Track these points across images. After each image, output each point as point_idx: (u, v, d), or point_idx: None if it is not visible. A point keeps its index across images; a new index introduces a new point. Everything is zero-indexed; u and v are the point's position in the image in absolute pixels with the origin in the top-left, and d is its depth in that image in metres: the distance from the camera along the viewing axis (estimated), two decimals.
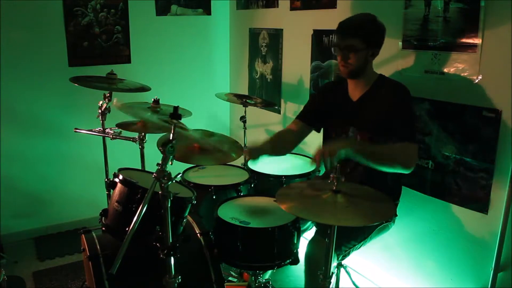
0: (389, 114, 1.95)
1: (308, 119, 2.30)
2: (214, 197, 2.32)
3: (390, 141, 1.91)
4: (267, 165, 2.66)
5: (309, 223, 2.37)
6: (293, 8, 3.12)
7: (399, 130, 1.92)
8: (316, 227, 2.22)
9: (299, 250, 2.00)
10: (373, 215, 1.53)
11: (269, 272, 2.40)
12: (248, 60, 3.75)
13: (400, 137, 1.89)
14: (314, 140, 2.81)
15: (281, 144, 2.24)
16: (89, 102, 2.89)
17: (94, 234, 1.94)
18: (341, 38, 2.00)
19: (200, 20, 3.82)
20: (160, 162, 1.49)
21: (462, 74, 2.01)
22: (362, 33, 1.96)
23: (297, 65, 3.14)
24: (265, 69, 3.52)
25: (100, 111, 2.60)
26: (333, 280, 1.90)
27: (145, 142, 2.71)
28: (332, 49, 2.79)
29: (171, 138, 1.48)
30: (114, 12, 3.40)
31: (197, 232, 2.01)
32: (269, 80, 3.49)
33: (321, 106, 2.26)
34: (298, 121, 2.31)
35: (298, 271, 2.32)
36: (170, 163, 1.50)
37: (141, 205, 1.44)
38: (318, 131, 2.34)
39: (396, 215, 2.13)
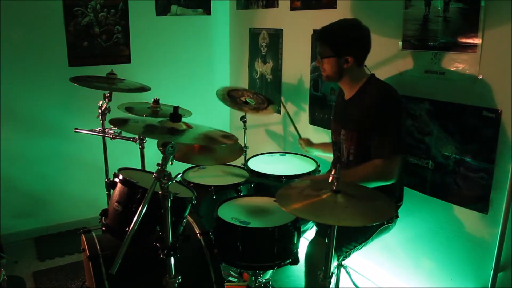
0: (373, 119, 1.94)
1: None
2: (214, 197, 2.32)
3: (372, 149, 1.94)
4: (267, 165, 2.66)
5: (309, 223, 2.38)
6: (293, 8, 3.11)
7: (380, 143, 1.92)
8: (316, 227, 2.22)
9: (299, 250, 2.00)
10: (373, 215, 1.53)
11: (269, 272, 2.40)
12: (248, 60, 3.75)
13: (381, 152, 1.92)
14: (316, 140, 2.81)
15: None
16: (89, 102, 2.89)
17: (94, 234, 1.94)
18: (316, 44, 2.09)
19: (200, 20, 3.82)
20: (160, 162, 1.49)
21: (462, 74, 2.01)
22: (330, 40, 2.01)
23: (297, 65, 3.14)
24: (265, 69, 3.52)
25: (100, 111, 2.60)
26: (333, 280, 1.90)
27: (145, 142, 2.72)
28: None
29: None
30: (114, 12, 3.40)
31: (197, 232, 2.01)
32: (269, 80, 3.49)
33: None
34: None
35: (298, 271, 2.32)
36: (170, 163, 1.50)
37: (141, 205, 1.44)
38: None
39: (398, 217, 2.13)
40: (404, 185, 2.21)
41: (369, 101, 1.97)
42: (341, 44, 1.99)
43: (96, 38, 3.37)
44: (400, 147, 1.96)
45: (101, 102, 2.60)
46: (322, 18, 2.81)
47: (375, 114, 1.94)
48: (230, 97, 2.91)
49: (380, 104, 1.95)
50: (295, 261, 1.97)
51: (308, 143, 2.71)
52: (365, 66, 2.09)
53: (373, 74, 2.11)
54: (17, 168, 3.27)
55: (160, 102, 2.67)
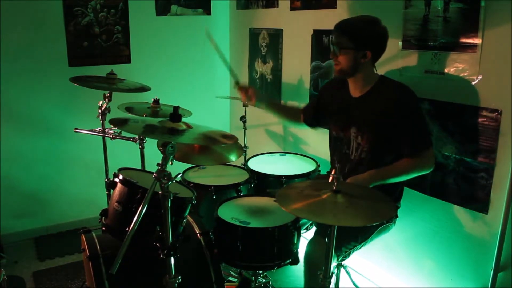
0: (397, 118, 1.95)
1: (307, 115, 2.43)
2: (214, 197, 2.32)
3: (403, 148, 1.97)
4: (267, 165, 2.66)
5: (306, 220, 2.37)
6: (293, 8, 3.11)
7: (411, 141, 1.96)
8: (316, 227, 2.22)
9: (299, 250, 2.00)
10: (373, 215, 1.53)
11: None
12: (248, 60, 3.75)
13: (414, 150, 1.96)
14: (316, 140, 2.81)
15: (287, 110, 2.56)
16: (89, 102, 2.89)
17: (94, 234, 1.94)
18: (333, 35, 2.05)
19: (200, 20, 3.81)
20: (160, 162, 1.49)
21: (462, 74, 2.01)
22: (351, 32, 1.99)
23: (297, 65, 3.14)
24: (265, 69, 3.52)
25: (100, 111, 2.60)
26: (333, 280, 1.90)
27: (145, 142, 2.72)
28: None
29: None
30: (114, 12, 3.40)
31: (197, 232, 2.01)
32: (269, 80, 3.49)
33: (325, 103, 2.30)
34: (301, 113, 2.47)
35: (298, 271, 2.32)
36: (170, 163, 1.50)
37: (141, 205, 1.44)
38: (312, 127, 2.48)
39: (397, 216, 2.13)
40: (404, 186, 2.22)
41: (387, 100, 1.97)
42: (363, 37, 1.97)
43: (96, 38, 3.37)
44: (429, 139, 2.01)
45: (101, 102, 2.60)
46: (322, 18, 2.83)
47: (399, 113, 1.94)
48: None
49: (402, 102, 1.95)
50: (295, 261, 1.97)
51: (255, 94, 2.33)
52: (375, 66, 2.09)
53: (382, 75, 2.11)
54: (17, 168, 3.27)
55: (160, 102, 2.67)
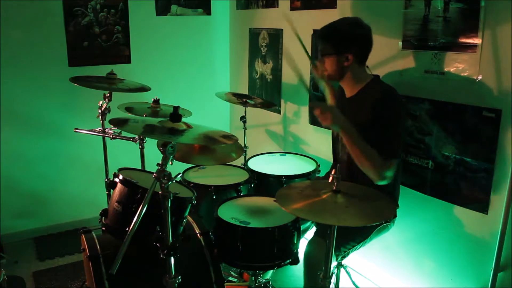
0: (372, 122, 1.91)
1: None
2: (214, 197, 2.32)
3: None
4: (267, 165, 2.66)
5: (309, 223, 2.38)
6: (293, 8, 3.11)
7: (382, 144, 1.86)
8: (315, 227, 2.22)
9: (299, 250, 2.00)
10: (373, 215, 1.53)
11: (270, 272, 2.40)
12: (248, 60, 3.75)
13: (382, 152, 1.85)
14: (316, 140, 2.81)
15: None
16: (89, 102, 2.89)
17: (94, 234, 1.94)
18: (318, 43, 2.07)
19: (200, 20, 3.82)
20: (160, 162, 1.49)
21: (462, 74, 2.01)
22: (330, 38, 2.02)
23: (297, 65, 3.14)
24: (265, 69, 3.52)
25: (100, 111, 2.61)
26: (333, 280, 1.90)
27: (145, 142, 2.72)
28: None
29: None
30: (114, 12, 3.40)
31: (197, 232, 2.01)
32: (269, 80, 3.49)
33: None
34: None
35: (298, 271, 2.32)
36: (170, 163, 1.50)
37: (141, 205, 1.44)
38: None
39: (395, 216, 2.13)
40: (402, 184, 2.21)
41: (370, 103, 1.96)
42: (341, 41, 1.99)
43: (96, 38, 3.37)
44: (395, 151, 1.89)
45: (101, 102, 2.61)
46: (322, 18, 2.81)
47: (375, 117, 1.92)
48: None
49: (381, 107, 1.93)
50: (295, 261, 1.97)
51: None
52: (367, 67, 2.09)
53: (378, 76, 2.10)
54: (17, 168, 3.27)
55: (160, 102, 2.67)
